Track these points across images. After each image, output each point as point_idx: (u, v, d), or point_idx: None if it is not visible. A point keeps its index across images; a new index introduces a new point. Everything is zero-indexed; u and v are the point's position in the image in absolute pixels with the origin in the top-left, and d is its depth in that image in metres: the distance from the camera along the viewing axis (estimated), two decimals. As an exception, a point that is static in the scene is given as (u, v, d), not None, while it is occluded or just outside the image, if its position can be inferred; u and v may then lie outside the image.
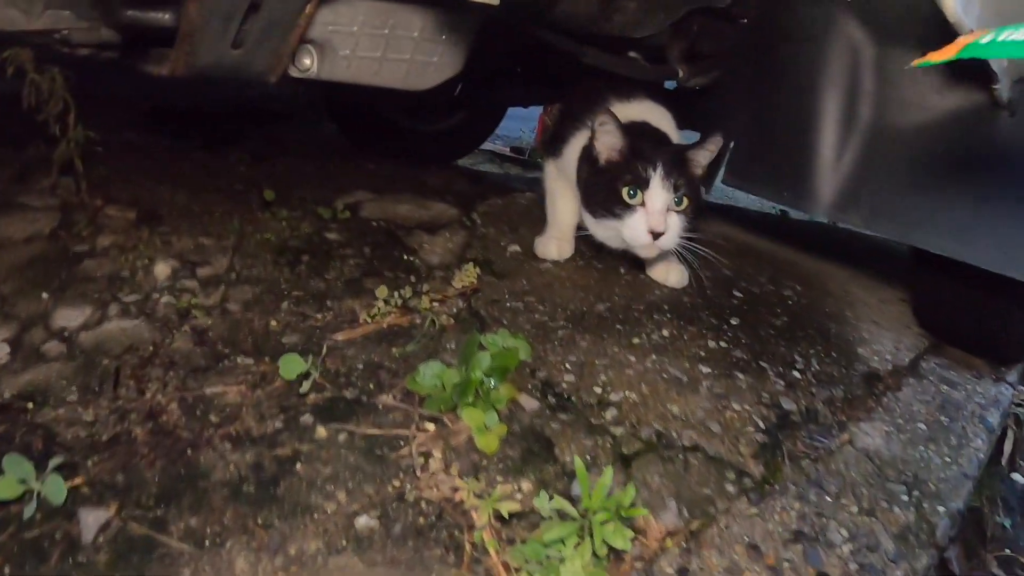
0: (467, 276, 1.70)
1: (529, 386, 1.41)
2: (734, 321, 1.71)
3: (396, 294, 1.61)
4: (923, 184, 1.47)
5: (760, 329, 1.71)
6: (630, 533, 1.03)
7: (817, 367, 1.65)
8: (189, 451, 1.28)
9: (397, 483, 1.21)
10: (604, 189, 1.45)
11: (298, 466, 1.24)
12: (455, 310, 1.65)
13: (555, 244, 1.81)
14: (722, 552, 1.13)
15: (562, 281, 1.76)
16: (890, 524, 1.30)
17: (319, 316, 1.63)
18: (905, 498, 1.37)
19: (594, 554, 1.05)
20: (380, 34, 1.56)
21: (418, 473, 1.23)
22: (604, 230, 1.54)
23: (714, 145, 1.53)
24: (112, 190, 2.15)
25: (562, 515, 1.10)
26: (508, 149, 4.54)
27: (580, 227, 1.74)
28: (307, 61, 1.56)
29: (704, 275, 1.90)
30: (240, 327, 1.59)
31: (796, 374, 1.59)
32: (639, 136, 1.46)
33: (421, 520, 1.16)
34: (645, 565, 1.09)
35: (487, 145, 4.26)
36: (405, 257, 1.90)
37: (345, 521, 1.14)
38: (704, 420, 1.37)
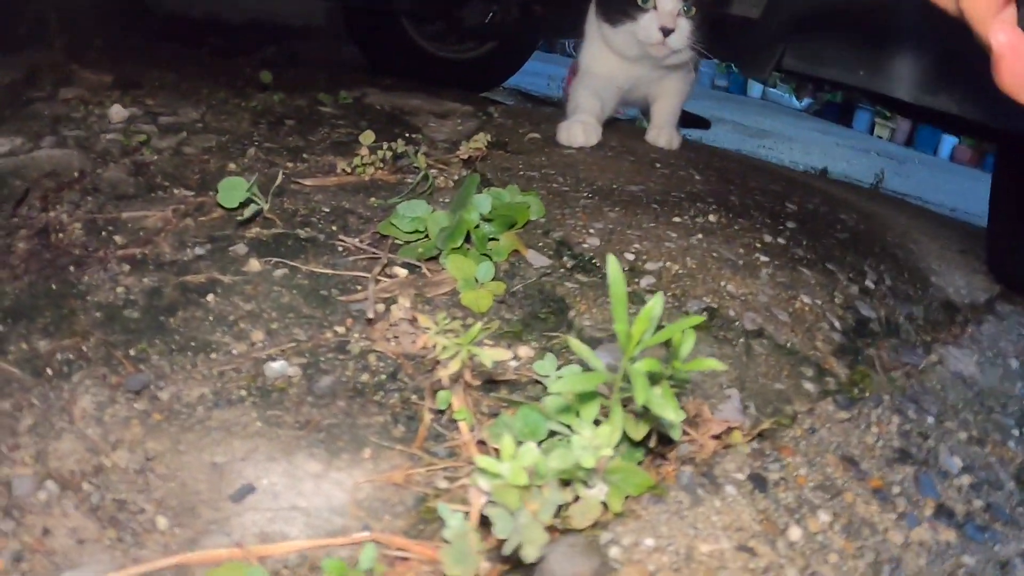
0: (475, 144, 1.24)
1: (540, 244, 0.94)
2: (791, 225, 1.23)
3: (386, 145, 1.15)
4: None
5: (822, 238, 1.24)
6: (682, 412, 0.55)
7: (890, 283, 1.17)
8: (72, 268, 0.83)
9: (341, 329, 0.75)
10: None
11: (210, 297, 0.78)
12: (456, 176, 1.18)
13: (581, 128, 1.40)
14: (811, 462, 0.66)
15: (588, 165, 1.29)
16: (1007, 461, 0.83)
17: (290, 165, 1.17)
18: (1016, 433, 0.90)
19: (627, 439, 0.58)
20: None
21: (373, 321, 0.76)
22: (621, 36, 1.41)
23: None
24: (94, 61, 1.71)
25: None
26: None
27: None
28: None
29: (751, 185, 1.43)
30: (190, 165, 1.13)
31: (869, 283, 1.12)
32: None
33: (365, 377, 0.69)
34: (698, 468, 0.62)
35: (516, 83, 3.72)
36: (408, 134, 1.44)
37: (252, 367, 0.68)
38: (768, 305, 0.90)
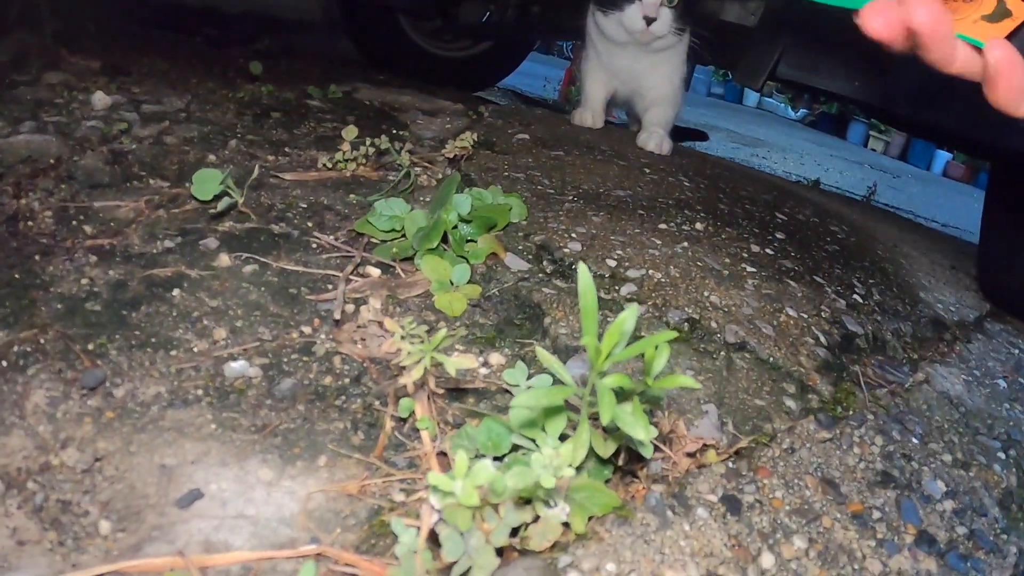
0: (461, 143, 1.20)
1: (520, 248, 0.91)
2: (780, 235, 1.20)
3: (369, 141, 1.11)
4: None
5: (811, 249, 1.21)
6: (653, 430, 0.52)
7: (879, 297, 1.14)
8: (37, 258, 0.79)
9: (308, 329, 0.72)
10: None
11: (175, 292, 0.75)
12: (440, 175, 1.15)
13: (590, 114, 1.67)
14: (788, 484, 0.63)
15: (576, 167, 1.26)
16: (992, 485, 0.80)
17: (271, 158, 1.14)
18: (1003, 456, 0.87)
19: (595, 456, 0.55)
20: None
21: (340, 322, 0.73)
22: (610, 24, 1.52)
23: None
24: (83, 46, 1.67)
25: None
26: None
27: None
28: None
29: (742, 193, 1.40)
30: (169, 155, 1.10)
31: (857, 298, 1.09)
32: None
33: (328, 380, 0.66)
34: (670, 488, 0.59)
35: (512, 83, 3.70)
36: (394, 130, 1.40)
37: (212, 366, 0.64)
38: (752, 318, 0.87)
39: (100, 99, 1.28)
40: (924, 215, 3.48)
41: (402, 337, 0.60)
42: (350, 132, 1.09)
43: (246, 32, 2.53)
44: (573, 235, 0.95)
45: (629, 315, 0.52)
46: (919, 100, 1.16)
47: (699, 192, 1.29)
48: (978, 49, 0.45)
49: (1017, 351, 1.27)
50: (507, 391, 0.67)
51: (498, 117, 1.56)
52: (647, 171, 1.34)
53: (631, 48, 1.54)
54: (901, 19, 0.43)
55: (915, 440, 0.81)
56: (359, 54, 2.49)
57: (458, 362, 0.57)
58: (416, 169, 1.16)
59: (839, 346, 0.92)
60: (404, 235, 0.88)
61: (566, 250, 0.91)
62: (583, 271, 0.52)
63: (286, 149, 1.18)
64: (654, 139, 1.55)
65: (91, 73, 1.50)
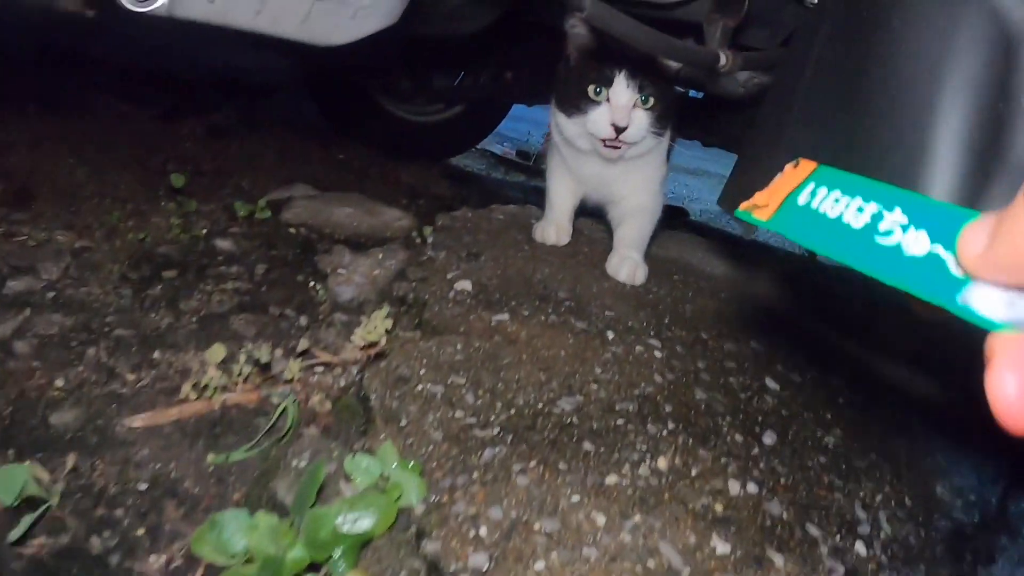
0: (375, 329, 0.97)
1: (402, 572, 0.68)
2: (768, 440, 0.96)
3: (243, 359, 0.89)
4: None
5: (806, 455, 0.97)
6: None
7: (888, 530, 0.90)
8: None
9: None
10: (574, 87, 1.26)
11: None
12: (340, 385, 0.93)
13: (553, 229, 1.44)
14: None
15: (519, 346, 1.02)
16: None
17: (131, 377, 0.92)
18: None
19: None
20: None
21: None
22: (573, 127, 1.29)
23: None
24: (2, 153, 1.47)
25: None
26: (515, 152, 3.72)
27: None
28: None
29: (727, 348, 1.16)
30: (10, 381, 0.88)
31: (860, 547, 0.85)
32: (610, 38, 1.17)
33: None
34: None
35: (490, 146, 3.49)
36: (310, 284, 1.18)
37: None
38: None
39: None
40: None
41: None
42: (215, 354, 0.87)
43: (204, 99, 2.31)
44: (483, 528, 0.72)
45: None
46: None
47: (671, 370, 1.05)
48: None
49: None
50: None
51: (443, 245, 1.33)
52: (609, 335, 1.10)
53: (596, 155, 1.31)
54: None
55: None
56: (326, 120, 2.27)
57: None
58: (310, 374, 0.93)
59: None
60: (250, 559, 0.66)
61: (466, 571, 0.68)
62: None
63: (155, 356, 0.95)
64: (626, 268, 1.30)
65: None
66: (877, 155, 0.79)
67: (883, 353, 1.37)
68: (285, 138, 2.13)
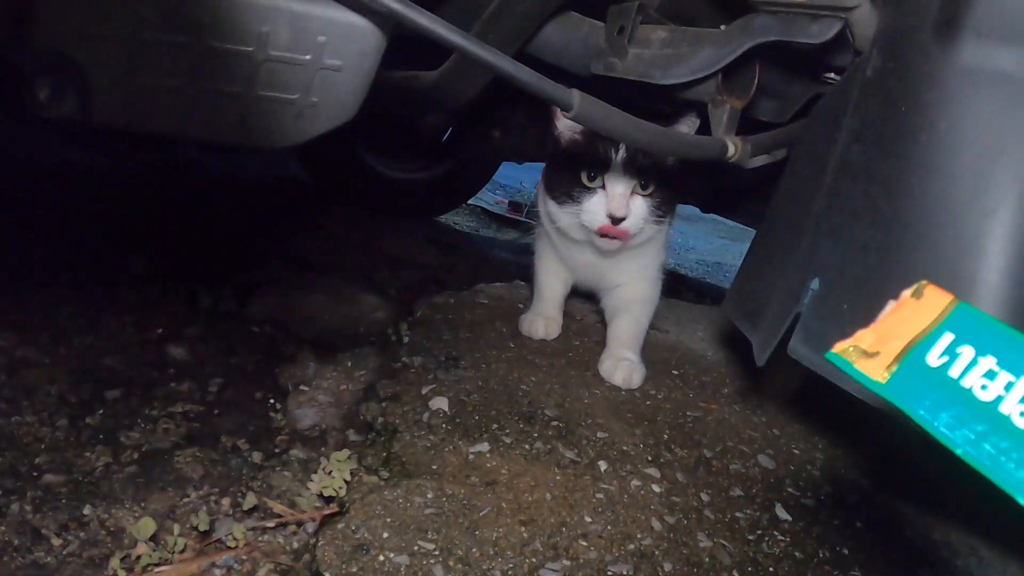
0: (334, 478, 0.85)
1: None
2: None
3: (176, 528, 0.76)
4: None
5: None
6: None
7: None
8: None
9: None
10: (565, 172, 1.15)
11: None
12: (293, 546, 0.81)
13: (542, 322, 1.31)
14: None
15: (498, 490, 0.90)
16: None
17: (57, 542, 0.80)
18: None
19: None
20: (180, 43, 0.72)
21: None
22: (565, 216, 1.17)
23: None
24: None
25: None
26: (507, 203, 3.60)
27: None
28: (45, 92, 0.72)
29: (732, 468, 1.04)
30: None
31: None
32: None
33: None
34: None
35: (481, 202, 3.38)
36: (270, 402, 1.06)
37: None
38: None
39: None
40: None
41: None
42: (143, 529, 0.75)
43: (181, 154, 2.20)
44: None
45: None
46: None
47: (671, 513, 0.92)
48: None
49: None
50: None
51: (420, 345, 1.20)
52: (602, 466, 0.98)
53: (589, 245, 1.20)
54: None
55: None
56: (310, 179, 2.16)
57: None
58: (258, 538, 0.81)
59: None
60: None
61: None
62: None
63: (86, 511, 0.83)
64: (621, 372, 1.18)
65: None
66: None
67: (901, 453, 1.24)
68: (262, 200, 2.02)
